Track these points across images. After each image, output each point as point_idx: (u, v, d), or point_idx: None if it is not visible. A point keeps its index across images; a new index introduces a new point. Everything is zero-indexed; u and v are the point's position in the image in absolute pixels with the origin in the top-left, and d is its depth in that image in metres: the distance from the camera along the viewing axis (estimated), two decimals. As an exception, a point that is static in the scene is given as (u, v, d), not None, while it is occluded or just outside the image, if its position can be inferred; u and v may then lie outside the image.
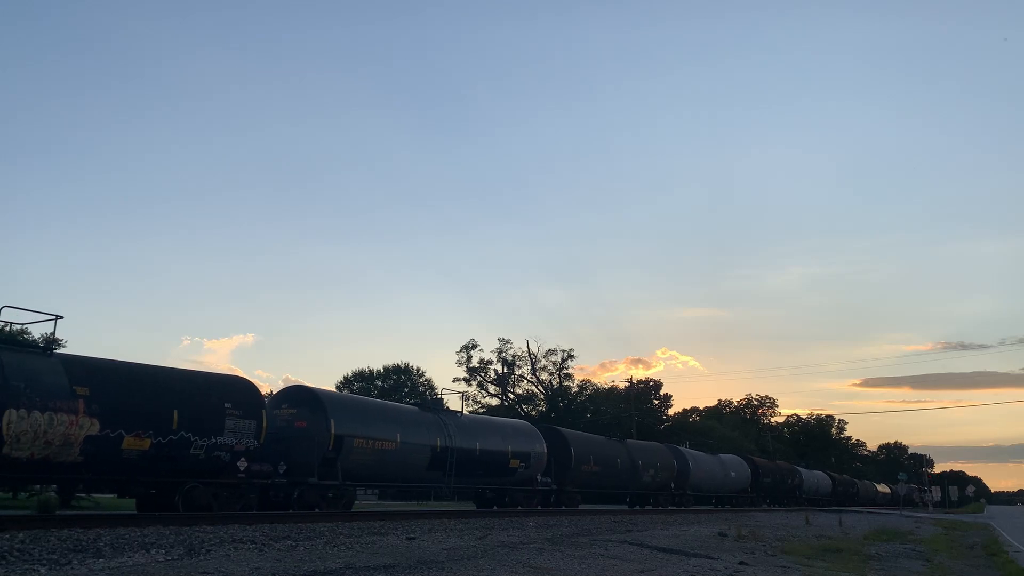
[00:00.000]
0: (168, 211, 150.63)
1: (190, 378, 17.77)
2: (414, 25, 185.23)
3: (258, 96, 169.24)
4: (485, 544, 12.91)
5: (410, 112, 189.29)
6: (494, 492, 27.67)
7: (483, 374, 75.95)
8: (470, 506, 28.74)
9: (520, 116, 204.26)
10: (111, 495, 19.46)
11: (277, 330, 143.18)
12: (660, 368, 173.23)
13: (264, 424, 18.33)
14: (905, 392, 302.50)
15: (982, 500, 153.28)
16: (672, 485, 39.07)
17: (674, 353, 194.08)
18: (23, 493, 21.16)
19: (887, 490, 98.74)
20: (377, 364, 76.41)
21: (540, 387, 77.98)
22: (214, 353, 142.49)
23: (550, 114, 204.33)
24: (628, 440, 37.96)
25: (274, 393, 23.06)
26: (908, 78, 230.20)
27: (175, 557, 9.61)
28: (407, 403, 27.03)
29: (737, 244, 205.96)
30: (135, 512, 16.48)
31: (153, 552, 9.88)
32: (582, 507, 31.29)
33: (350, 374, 73.60)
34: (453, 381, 76.68)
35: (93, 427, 14.88)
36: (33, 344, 15.09)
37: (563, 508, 29.44)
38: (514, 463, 27.31)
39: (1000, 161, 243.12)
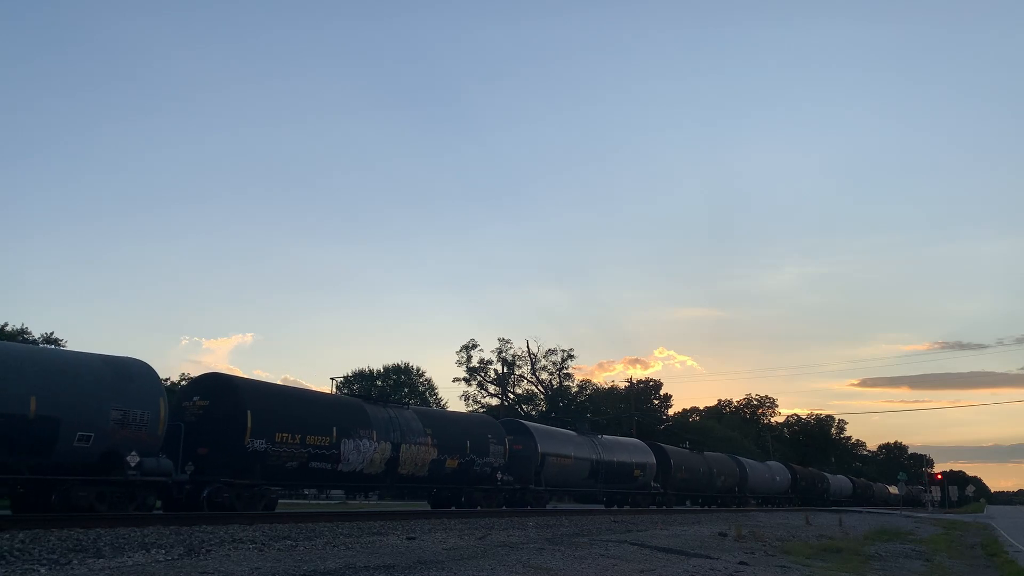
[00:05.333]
0: (168, 211, 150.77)
1: (470, 418, 26.45)
2: (412, 25, 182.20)
3: (258, 96, 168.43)
4: (485, 544, 13.02)
5: (409, 112, 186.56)
6: (621, 495, 35.88)
7: (483, 374, 76.01)
8: (599, 505, 36.89)
9: (518, 116, 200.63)
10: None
11: (276, 330, 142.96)
12: (658, 368, 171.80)
13: (507, 448, 26.56)
14: (904, 392, 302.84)
15: (982, 500, 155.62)
16: (736, 489, 47.36)
17: (672, 353, 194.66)
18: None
19: (896, 491, 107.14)
20: (377, 364, 76.63)
21: (540, 387, 79.19)
22: (213, 353, 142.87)
23: (548, 114, 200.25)
24: (705, 452, 46.24)
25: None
26: (906, 77, 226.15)
27: (175, 557, 9.70)
28: (568, 429, 35.19)
29: (735, 244, 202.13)
30: (139, 512, 16.66)
31: (153, 552, 9.94)
32: (676, 507, 39.52)
33: (350, 374, 73.03)
34: (453, 381, 77.85)
35: (434, 453, 23.16)
36: (397, 401, 23.16)
37: (664, 508, 37.61)
38: (636, 472, 35.60)
39: (999, 161, 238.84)
